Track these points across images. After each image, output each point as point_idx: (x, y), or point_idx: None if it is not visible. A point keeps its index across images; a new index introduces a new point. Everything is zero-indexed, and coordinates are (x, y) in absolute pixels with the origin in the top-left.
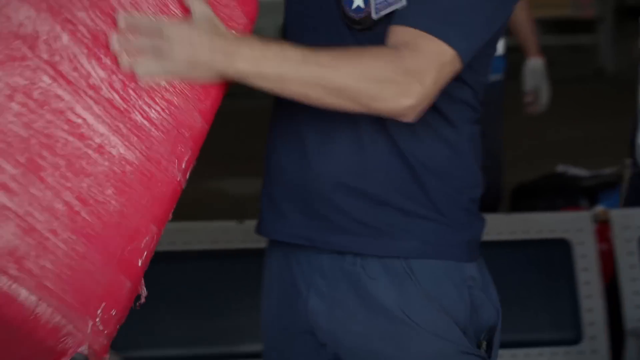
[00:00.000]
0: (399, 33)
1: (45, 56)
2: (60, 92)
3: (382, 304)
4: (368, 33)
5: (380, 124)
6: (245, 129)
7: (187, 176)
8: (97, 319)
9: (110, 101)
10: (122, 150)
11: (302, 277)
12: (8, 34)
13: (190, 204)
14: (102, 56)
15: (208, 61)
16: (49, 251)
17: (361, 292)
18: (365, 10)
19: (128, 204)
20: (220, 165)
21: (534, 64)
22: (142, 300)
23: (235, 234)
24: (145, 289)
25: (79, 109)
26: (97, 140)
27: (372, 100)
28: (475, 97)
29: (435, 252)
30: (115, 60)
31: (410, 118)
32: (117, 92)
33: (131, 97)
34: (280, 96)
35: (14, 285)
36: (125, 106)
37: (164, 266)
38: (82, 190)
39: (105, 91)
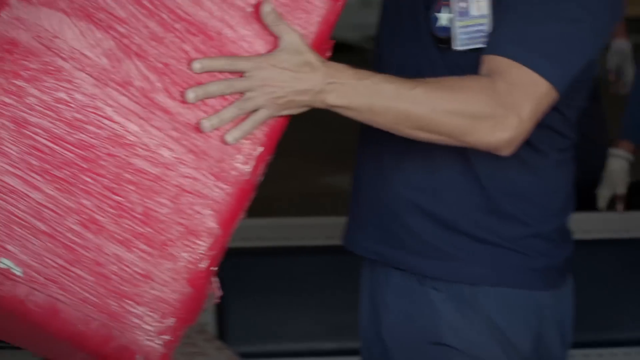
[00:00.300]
0: (492, 62)
1: (83, 66)
2: (100, 103)
3: (443, 329)
4: (454, 52)
5: (455, 147)
6: (358, 125)
7: (261, 172)
8: (152, 329)
9: (161, 105)
10: (176, 154)
11: (379, 290)
12: (40, 47)
13: (303, 200)
14: (152, 60)
15: (295, 100)
16: (93, 264)
17: (427, 313)
18: (450, 31)
19: (184, 208)
20: (332, 162)
21: (619, 45)
22: (217, 300)
23: None
24: (220, 288)
25: (123, 117)
26: (147, 146)
27: (466, 135)
28: (564, 123)
29: (504, 280)
30: (166, 63)
31: (507, 151)
32: (170, 95)
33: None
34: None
35: (54, 302)
36: (179, 108)
37: (279, 261)
38: (131, 199)
39: (159, 97)
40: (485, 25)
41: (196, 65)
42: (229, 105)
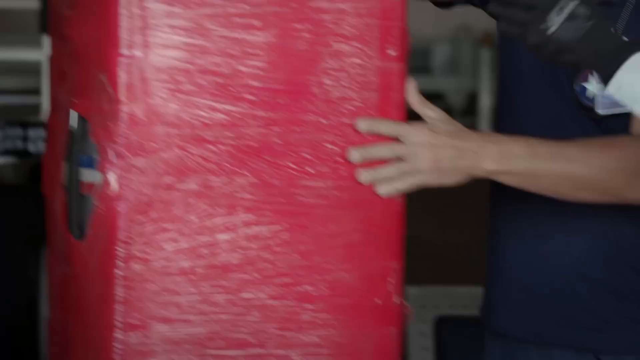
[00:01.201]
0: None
1: (216, 196)
2: (250, 226)
3: None
4: (610, 121)
5: (625, 208)
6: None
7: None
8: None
9: (304, 185)
10: (338, 223)
11: None
12: (175, 195)
13: None
14: (275, 144)
15: (454, 165)
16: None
17: None
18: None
19: (363, 265)
20: None
21: None
22: (409, 316)
23: None
24: (409, 307)
25: (274, 220)
26: (306, 228)
27: (625, 191)
28: None
29: None
30: (287, 140)
31: None
32: (307, 173)
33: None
34: (528, 191)
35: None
36: (323, 181)
37: None
38: (315, 285)
39: (300, 180)
40: None
41: (362, 126)
42: (389, 165)
